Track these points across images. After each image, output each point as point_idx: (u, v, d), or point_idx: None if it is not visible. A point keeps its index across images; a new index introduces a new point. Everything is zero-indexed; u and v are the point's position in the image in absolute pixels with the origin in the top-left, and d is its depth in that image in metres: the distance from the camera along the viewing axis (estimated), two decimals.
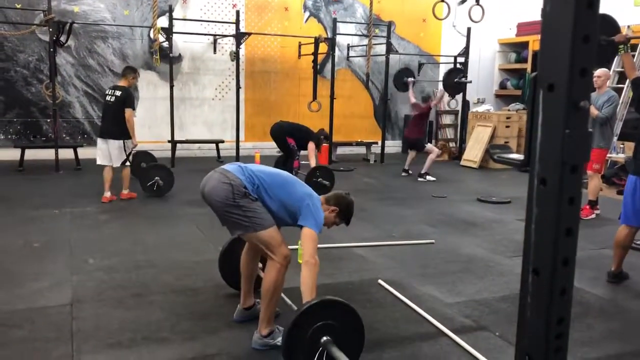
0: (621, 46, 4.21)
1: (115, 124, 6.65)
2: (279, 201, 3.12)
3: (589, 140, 0.87)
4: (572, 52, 0.82)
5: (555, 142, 0.84)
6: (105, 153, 6.68)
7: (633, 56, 9.30)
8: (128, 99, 6.68)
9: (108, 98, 6.73)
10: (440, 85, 12.77)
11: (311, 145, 7.89)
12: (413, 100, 9.54)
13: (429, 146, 9.26)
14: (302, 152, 8.12)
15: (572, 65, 0.82)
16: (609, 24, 4.29)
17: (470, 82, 10.77)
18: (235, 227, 3.08)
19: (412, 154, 9.39)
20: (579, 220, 0.93)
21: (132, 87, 7.25)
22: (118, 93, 6.67)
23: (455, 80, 9.49)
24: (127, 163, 6.81)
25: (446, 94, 10.93)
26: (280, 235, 3.12)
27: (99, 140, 6.76)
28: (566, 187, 0.86)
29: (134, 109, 6.87)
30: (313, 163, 7.79)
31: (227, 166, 3.16)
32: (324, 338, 2.74)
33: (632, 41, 9.45)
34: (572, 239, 0.89)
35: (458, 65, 11.19)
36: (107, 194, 6.73)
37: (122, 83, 6.81)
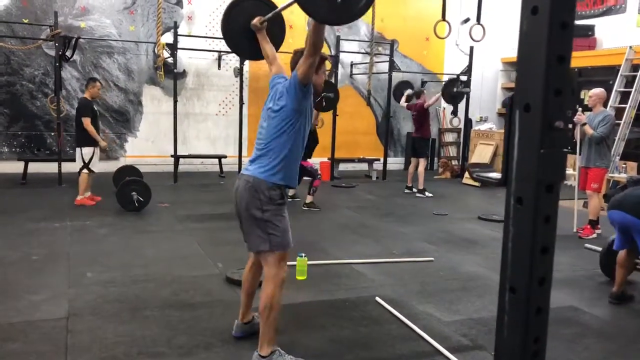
0: None
1: (76, 132, 7.38)
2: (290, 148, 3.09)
3: (564, 159, 0.88)
4: (547, 73, 0.83)
5: (531, 162, 0.85)
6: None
7: (633, 77, 9.35)
8: (81, 108, 7.22)
9: None
10: (443, 104, 12.82)
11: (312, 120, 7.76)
12: (404, 104, 9.57)
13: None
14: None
15: (547, 85, 0.83)
16: None
17: (469, 91, 10.68)
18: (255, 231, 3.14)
19: (411, 169, 9.37)
20: (555, 239, 0.93)
21: (96, 97, 7.57)
22: (77, 104, 7.44)
23: (455, 90, 9.39)
24: (85, 170, 7.20)
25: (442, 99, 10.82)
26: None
27: None
28: (542, 206, 0.86)
29: (88, 116, 7.12)
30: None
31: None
32: None
33: (634, 61, 9.52)
34: (547, 257, 0.89)
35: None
36: (78, 197, 7.30)
37: (85, 95, 7.37)
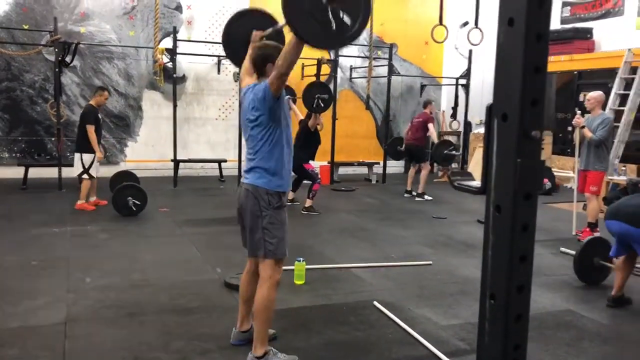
0: None
1: (78, 138, 7.37)
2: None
3: (542, 168, 0.89)
4: (524, 83, 0.84)
5: (509, 171, 0.86)
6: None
7: (632, 80, 9.36)
8: (86, 115, 7.26)
9: None
10: (442, 107, 12.84)
11: (311, 121, 7.74)
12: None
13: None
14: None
15: (524, 95, 0.84)
16: (603, 245, 4.78)
17: (459, 154, 10.57)
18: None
19: (411, 172, 9.38)
20: (534, 247, 0.94)
21: (102, 105, 7.60)
22: (82, 110, 7.50)
23: (445, 152, 9.24)
24: (85, 175, 7.24)
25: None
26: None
27: None
28: (520, 215, 0.87)
29: (92, 124, 7.18)
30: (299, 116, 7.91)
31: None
32: None
33: (633, 64, 9.53)
34: (526, 265, 0.90)
35: (460, 87, 11.25)
36: (78, 202, 7.32)
37: (91, 102, 7.42)
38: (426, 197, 8.98)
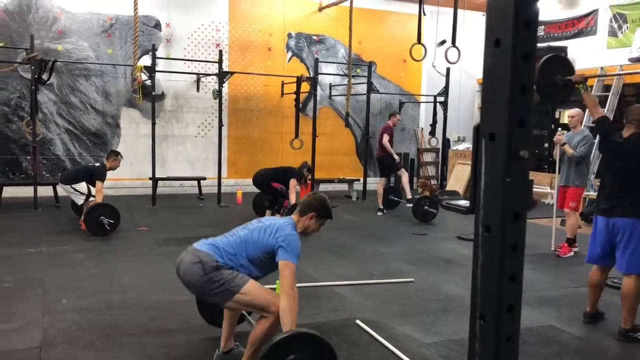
0: (579, 86, 4.32)
1: (70, 171, 7.84)
2: (255, 260, 3.15)
3: (530, 188, 0.89)
4: (511, 103, 0.84)
5: (497, 190, 0.86)
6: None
7: (606, 97, 9.57)
8: (98, 173, 7.38)
9: None
10: (421, 123, 12.97)
11: (292, 182, 7.96)
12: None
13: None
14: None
15: (511, 116, 0.85)
16: (564, 64, 4.46)
17: (437, 212, 10.44)
18: (216, 299, 3.08)
19: (380, 190, 9.42)
20: (523, 266, 0.94)
21: (114, 169, 7.73)
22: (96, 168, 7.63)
23: (425, 208, 9.19)
24: (92, 198, 7.23)
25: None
26: (265, 290, 3.11)
27: None
28: (509, 234, 0.87)
29: (102, 181, 7.33)
30: (293, 199, 7.82)
31: (198, 244, 3.16)
32: None
33: (606, 81, 9.74)
34: (516, 284, 0.89)
35: (438, 105, 11.38)
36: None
37: (106, 163, 7.60)
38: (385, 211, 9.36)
